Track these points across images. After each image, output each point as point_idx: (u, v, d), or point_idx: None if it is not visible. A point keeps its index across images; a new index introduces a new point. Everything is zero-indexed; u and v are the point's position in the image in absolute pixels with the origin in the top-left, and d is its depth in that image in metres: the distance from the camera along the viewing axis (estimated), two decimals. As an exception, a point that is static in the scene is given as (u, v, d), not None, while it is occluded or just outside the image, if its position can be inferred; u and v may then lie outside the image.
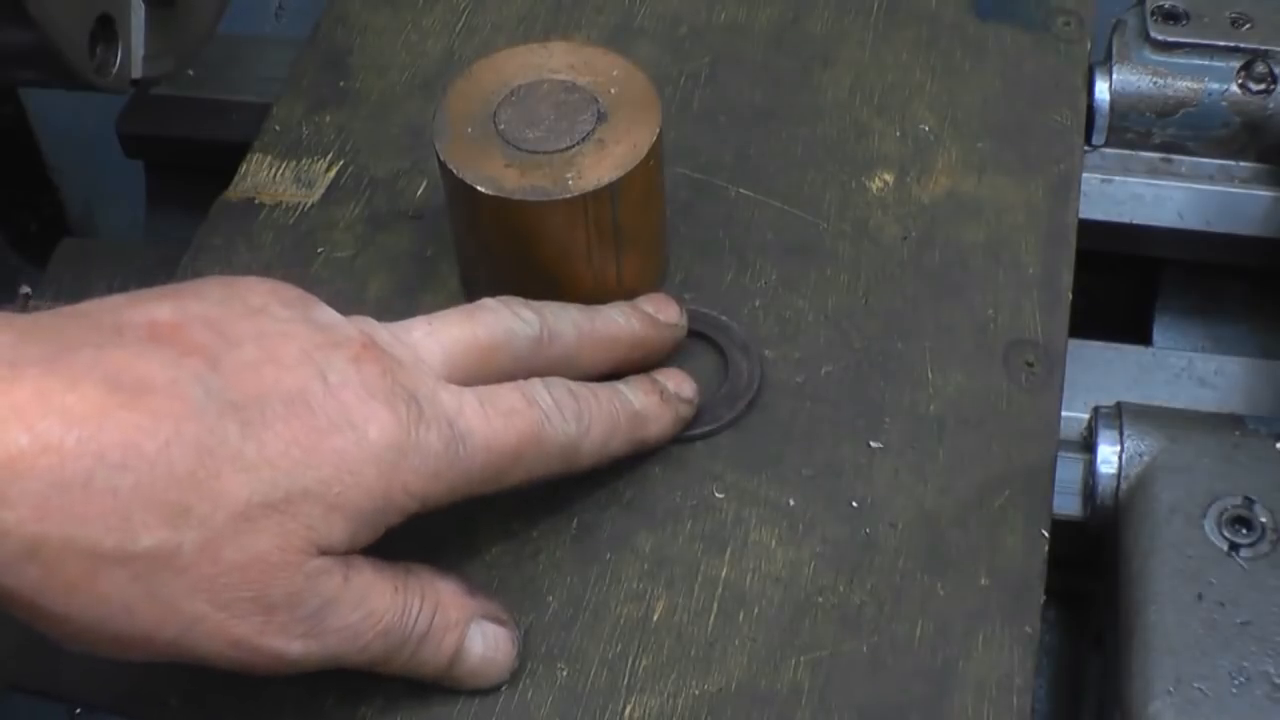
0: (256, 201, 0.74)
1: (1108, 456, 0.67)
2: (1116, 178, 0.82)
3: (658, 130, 0.63)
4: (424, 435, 0.52)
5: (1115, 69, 0.81)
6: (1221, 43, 0.80)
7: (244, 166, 0.76)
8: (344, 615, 0.51)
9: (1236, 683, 0.57)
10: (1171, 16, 0.82)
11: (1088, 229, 0.74)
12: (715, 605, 0.59)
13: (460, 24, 0.83)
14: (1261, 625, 0.59)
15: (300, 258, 0.71)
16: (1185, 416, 0.69)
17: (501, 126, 0.63)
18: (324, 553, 0.50)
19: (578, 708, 0.57)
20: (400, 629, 0.53)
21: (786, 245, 0.71)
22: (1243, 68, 0.80)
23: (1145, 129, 0.82)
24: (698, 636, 0.58)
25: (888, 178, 0.74)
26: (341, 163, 0.76)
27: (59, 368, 0.47)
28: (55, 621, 0.48)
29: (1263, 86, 0.80)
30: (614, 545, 0.61)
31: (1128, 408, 0.68)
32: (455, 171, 0.62)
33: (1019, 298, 0.68)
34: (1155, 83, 0.81)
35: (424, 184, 0.74)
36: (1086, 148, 0.81)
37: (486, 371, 0.57)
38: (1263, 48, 0.80)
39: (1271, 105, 0.80)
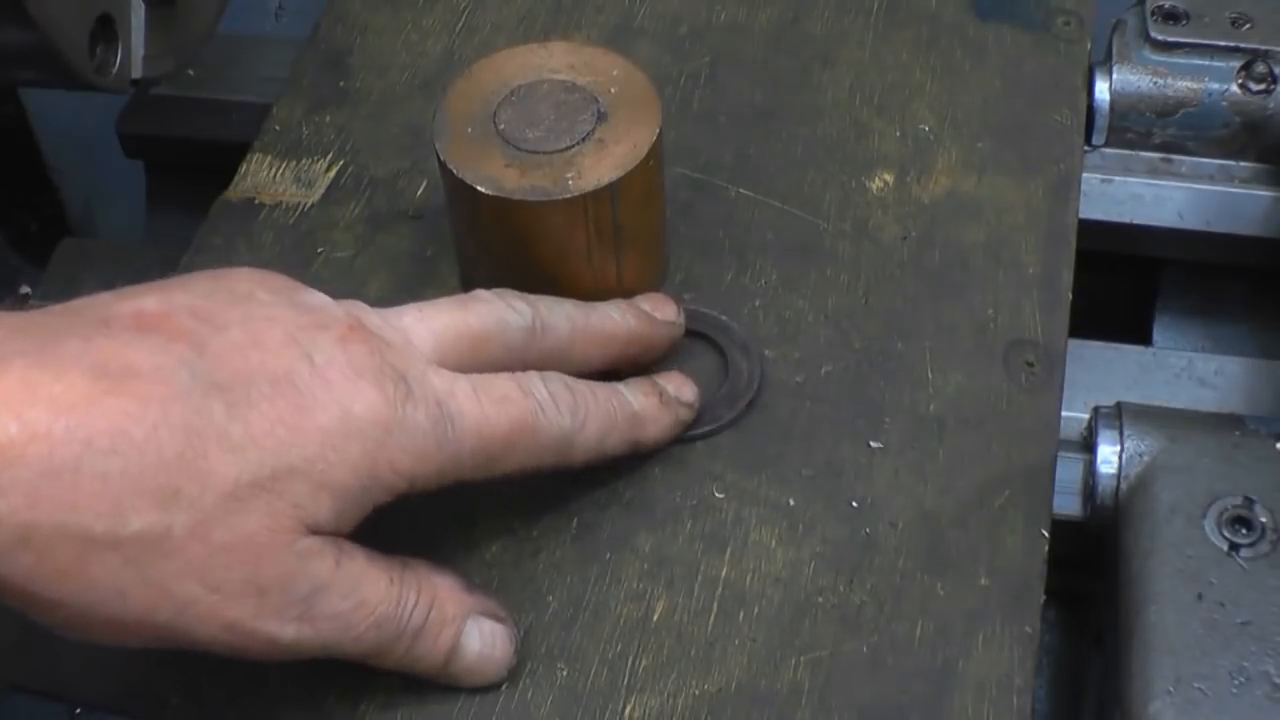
0: (256, 201, 0.74)
1: (1108, 456, 0.67)
2: (1116, 178, 0.82)
3: (658, 130, 0.63)
4: (411, 413, 0.52)
5: (1115, 69, 0.81)
6: (1221, 43, 0.80)
7: (244, 166, 0.76)
8: (336, 601, 0.51)
9: (1236, 683, 0.57)
10: (1171, 16, 0.82)
11: (1088, 229, 0.74)
12: (715, 605, 0.59)
13: (460, 24, 0.83)
14: (1261, 625, 0.59)
15: (300, 258, 0.71)
16: (1185, 416, 0.69)
17: (501, 126, 0.63)
18: (313, 532, 0.51)
19: (578, 707, 0.57)
20: (395, 621, 0.53)
21: (786, 245, 0.71)
22: (1243, 68, 0.80)
23: (1145, 129, 0.82)
24: (698, 636, 0.58)
25: (888, 178, 0.74)
26: (341, 163, 0.76)
27: (46, 359, 0.47)
28: (48, 608, 0.48)
29: (1263, 86, 0.80)
30: (614, 545, 0.61)
31: (1128, 408, 0.68)
32: (455, 171, 0.62)
33: (1019, 298, 0.68)
34: (1155, 83, 0.81)
35: (424, 184, 0.74)
36: (1086, 148, 0.81)
37: (478, 360, 0.57)
38: (1263, 48, 0.80)
39: (1271, 105, 0.80)
